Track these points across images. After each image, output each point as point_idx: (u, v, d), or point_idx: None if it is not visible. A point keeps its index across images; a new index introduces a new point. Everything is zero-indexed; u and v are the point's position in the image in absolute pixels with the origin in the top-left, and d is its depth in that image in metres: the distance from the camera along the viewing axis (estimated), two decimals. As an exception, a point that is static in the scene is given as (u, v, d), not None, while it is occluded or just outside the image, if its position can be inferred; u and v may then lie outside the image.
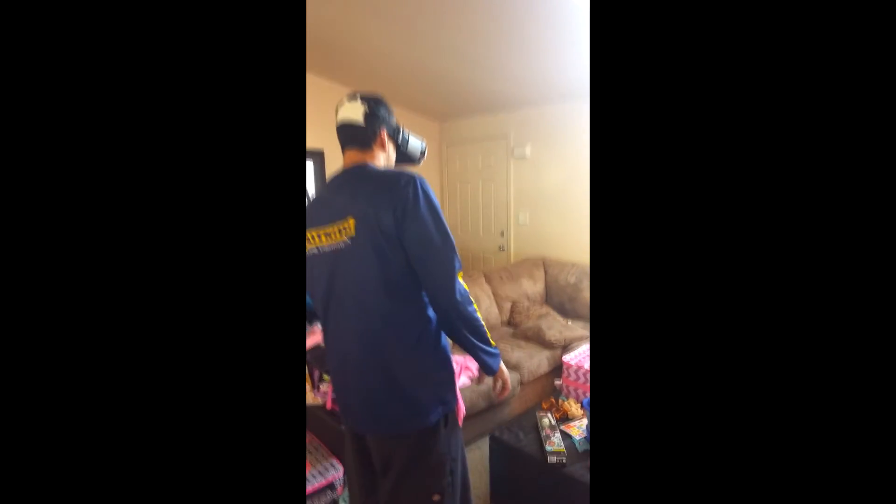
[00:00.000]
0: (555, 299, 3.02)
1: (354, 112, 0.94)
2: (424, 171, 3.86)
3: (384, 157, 0.99)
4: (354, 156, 0.95)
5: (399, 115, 1.09)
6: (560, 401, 1.69)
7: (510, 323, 2.84)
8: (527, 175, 3.41)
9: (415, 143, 1.07)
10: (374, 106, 0.95)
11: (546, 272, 3.14)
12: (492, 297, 2.84)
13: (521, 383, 2.18)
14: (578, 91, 2.81)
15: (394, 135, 1.00)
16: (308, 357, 1.52)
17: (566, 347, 2.44)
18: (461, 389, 1.89)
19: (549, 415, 1.58)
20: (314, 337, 1.51)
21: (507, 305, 2.88)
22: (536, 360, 2.29)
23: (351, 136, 0.95)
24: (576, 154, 3.05)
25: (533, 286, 3.04)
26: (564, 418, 1.60)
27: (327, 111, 1.49)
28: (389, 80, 2.91)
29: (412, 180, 0.85)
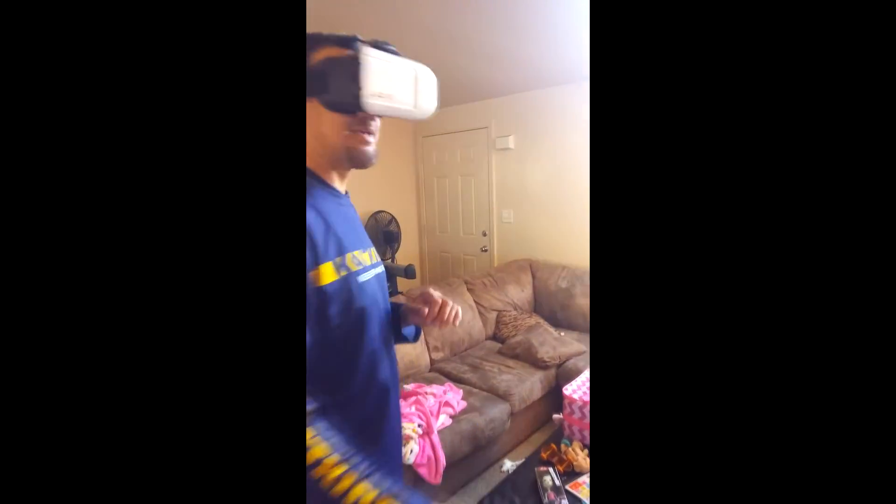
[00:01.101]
0: (545, 307, 2.71)
1: None
2: (397, 166, 3.49)
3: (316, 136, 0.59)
4: None
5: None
6: (563, 446, 1.37)
7: (496, 337, 2.51)
8: (510, 169, 3.08)
9: (344, 68, 0.54)
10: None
11: (534, 276, 2.82)
12: (475, 307, 2.50)
13: (512, 414, 1.85)
14: (566, 75, 2.50)
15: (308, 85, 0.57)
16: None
17: (561, 366, 2.12)
18: (440, 431, 1.55)
19: (552, 471, 1.26)
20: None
21: (493, 316, 2.55)
22: (528, 385, 1.96)
23: None
24: (564, 145, 2.73)
25: (520, 293, 2.71)
26: (570, 471, 1.28)
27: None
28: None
29: None
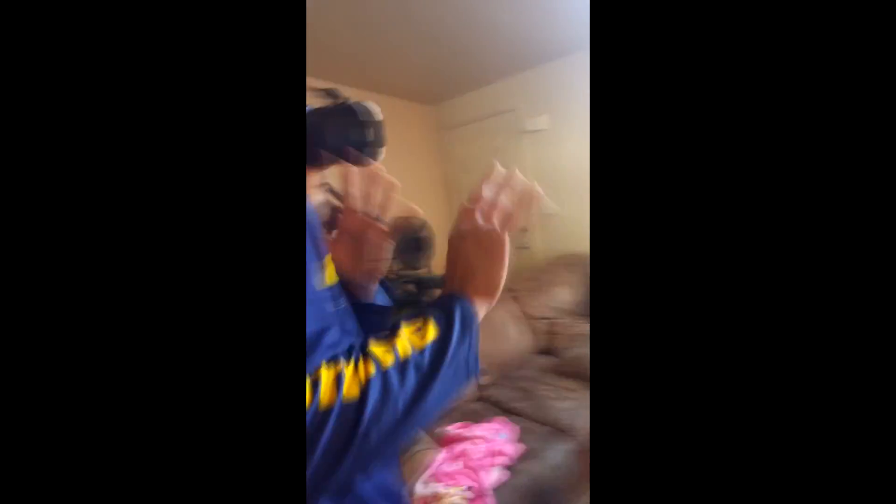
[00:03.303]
0: (602, 309, 2.34)
1: None
2: (419, 163, 3.19)
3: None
4: None
5: (384, 104, 0.62)
6: None
7: (549, 351, 2.17)
8: (546, 153, 2.71)
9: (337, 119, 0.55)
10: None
11: (585, 274, 2.45)
12: (521, 319, 2.18)
13: (580, 453, 1.52)
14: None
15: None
16: None
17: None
18: (494, 489, 1.25)
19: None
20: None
21: (542, 326, 2.22)
22: (596, 413, 1.62)
23: None
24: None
25: (570, 295, 2.36)
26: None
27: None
28: (363, 63, 2.25)
29: None
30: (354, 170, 0.54)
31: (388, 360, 0.35)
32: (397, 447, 0.37)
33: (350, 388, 0.33)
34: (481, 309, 0.44)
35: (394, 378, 0.34)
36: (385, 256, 0.61)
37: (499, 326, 2.09)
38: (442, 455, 1.36)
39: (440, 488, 1.21)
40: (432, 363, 0.36)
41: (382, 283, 0.62)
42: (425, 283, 0.80)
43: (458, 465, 1.29)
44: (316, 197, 0.56)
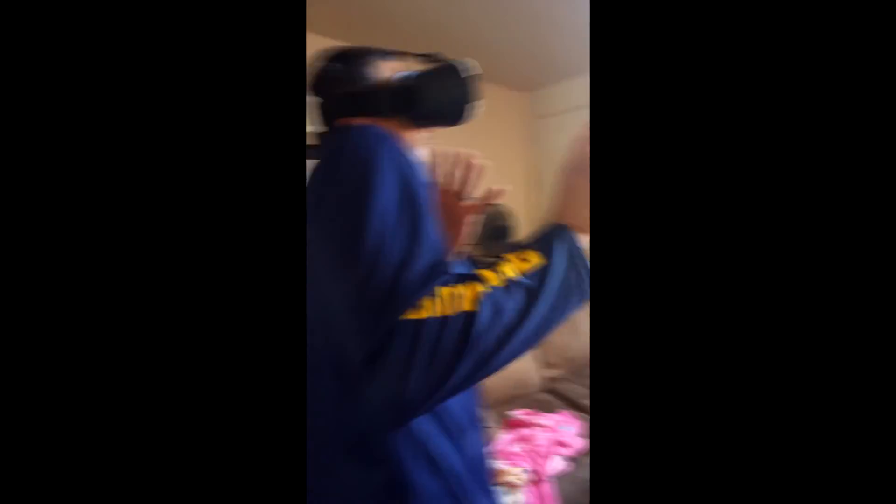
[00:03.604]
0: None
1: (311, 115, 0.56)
2: (509, 150, 3.19)
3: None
4: None
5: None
6: None
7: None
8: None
9: (441, 82, 0.56)
10: (323, 81, 0.57)
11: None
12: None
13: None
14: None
15: (374, 104, 0.55)
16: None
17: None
18: (554, 479, 1.27)
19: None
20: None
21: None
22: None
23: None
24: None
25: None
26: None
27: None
28: (459, 44, 2.30)
29: (338, 139, 0.48)
30: (443, 151, 0.59)
31: (495, 280, 0.39)
32: (505, 361, 0.39)
33: (464, 303, 0.37)
34: (584, 240, 0.44)
35: (501, 295, 0.38)
36: (470, 233, 0.66)
37: (573, 321, 2.05)
38: (507, 436, 1.40)
39: (500, 465, 1.26)
40: (538, 284, 0.39)
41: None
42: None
43: (520, 448, 1.33)
44: (423, 155, 0.59)
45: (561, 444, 1.36)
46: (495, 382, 1.69)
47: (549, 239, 0.43)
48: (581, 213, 0.44)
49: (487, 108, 0.60)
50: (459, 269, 0.41)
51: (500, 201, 0.76)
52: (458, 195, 0.63)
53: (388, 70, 0.57)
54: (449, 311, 0.37)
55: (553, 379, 1.91)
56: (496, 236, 2.91)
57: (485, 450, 0.53)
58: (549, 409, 1.61)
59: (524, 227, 3.18)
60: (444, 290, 0.37)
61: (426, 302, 0.37)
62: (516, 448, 1.33)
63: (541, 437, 1.37)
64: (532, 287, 0.39)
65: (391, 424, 0.43)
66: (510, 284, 0.39)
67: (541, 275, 0.40)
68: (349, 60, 0.57)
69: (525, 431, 1.41)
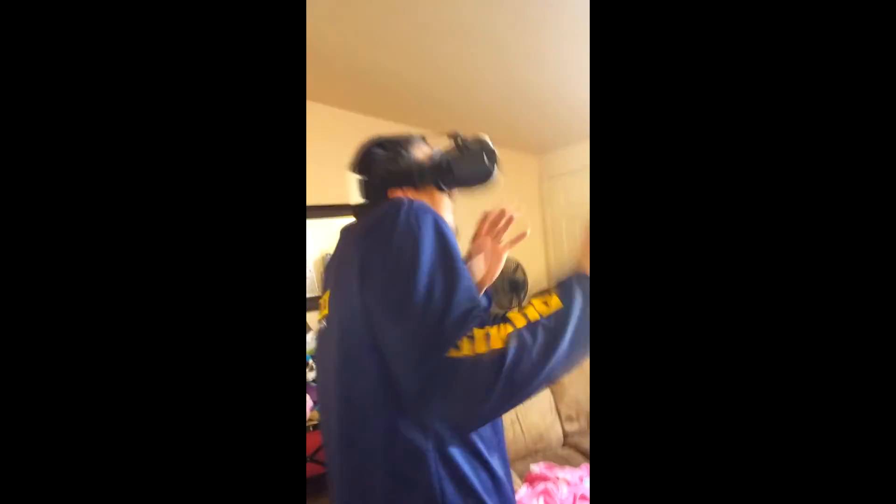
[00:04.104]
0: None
1: (353, 190, 0.70)
2: (524, 207, 3.34)
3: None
4: None
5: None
6: None
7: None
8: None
9: (469, 156, 0.70)
10: (367, 163, 0.70)
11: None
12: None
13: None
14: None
15: (414, 178, 0.69)
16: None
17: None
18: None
19: None
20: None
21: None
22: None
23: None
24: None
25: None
26: None
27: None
28: (471, 114, 2.54)
29: (391, 210, 0.55)
30: (489, 209, 0.76)
31: (521, 322, 0.47)
32: (532, 391, 0.46)
33: (495, 342, 0.45)
34: None
35: (526, 335, 0.45)
36: (501, 265, 0.78)
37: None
38: (525, 489, 1.38)
39: (522, 519, 1.23)
40: (558, 325, 0.47)
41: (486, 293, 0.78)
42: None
43: (538, 501, 1.30)
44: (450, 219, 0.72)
45: (580, 497, 1.33)
46: (516, 436, 1.67)
47: (569, 285, 0.51)
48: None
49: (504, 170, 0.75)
50: (486, 302, 0.49)
51: (516, 251, 0.89)
52: (497, 237, 0.77)
53: (421, 152, 0.70)
54: (482, 350, 0.44)
55: (574, 433, 1.88)
56: (513, 288, 2.97)
57: (510, 477, 0.60)
58: (570, 463, 1.58)
59: (537, 275, 3.26)
60: (479, 332, 0.45)
61: (464, 342, 0.45)
62: (538, 502, 1.31)
63: (563, 490, 1.35)
64: (551, 327, 0.46)
65: (438, 445, 0.50)
66: (532, 326, 0.46)
67: (560, 317, 0.47)
68: (387, 147, 0.71)
69: (542, 485, 1.38)
